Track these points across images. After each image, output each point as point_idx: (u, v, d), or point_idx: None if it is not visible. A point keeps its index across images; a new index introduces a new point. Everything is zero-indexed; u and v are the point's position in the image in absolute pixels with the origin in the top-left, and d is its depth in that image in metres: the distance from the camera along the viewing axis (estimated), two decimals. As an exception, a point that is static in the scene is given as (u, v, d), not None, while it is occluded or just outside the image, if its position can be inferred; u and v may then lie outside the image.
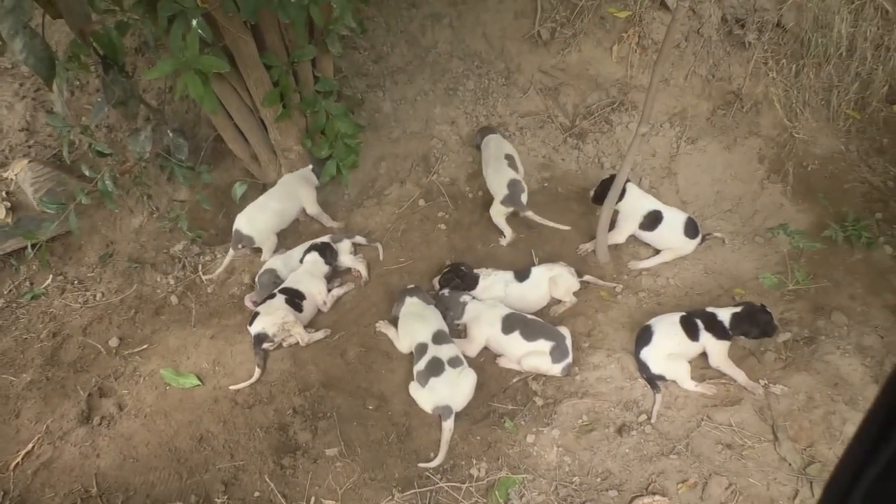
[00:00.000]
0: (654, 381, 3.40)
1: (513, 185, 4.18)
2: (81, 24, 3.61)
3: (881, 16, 4.32)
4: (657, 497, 2.98)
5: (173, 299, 4.19)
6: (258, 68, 3.97)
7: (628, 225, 4.15)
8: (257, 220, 4.24)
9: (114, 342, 3.91)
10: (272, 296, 3.81)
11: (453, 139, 4.76)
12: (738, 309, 3.44)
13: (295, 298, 3.82)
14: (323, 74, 4.31)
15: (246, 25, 3.87)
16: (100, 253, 4.54)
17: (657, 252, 4.18)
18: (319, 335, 3.72)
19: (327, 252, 3.96)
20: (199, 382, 3.58)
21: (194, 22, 3.33)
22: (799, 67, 4.42)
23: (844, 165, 4.32)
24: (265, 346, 3.58)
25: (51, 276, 4.42)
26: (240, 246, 4.25)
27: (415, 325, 3.55)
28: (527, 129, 4.81)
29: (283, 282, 3.95)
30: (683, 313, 3.54)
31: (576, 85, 4.92)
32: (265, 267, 4.08)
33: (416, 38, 5.09)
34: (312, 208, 4.42)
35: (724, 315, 3.44)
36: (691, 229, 4.10)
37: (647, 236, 4.19)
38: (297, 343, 3.67)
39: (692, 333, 3.45)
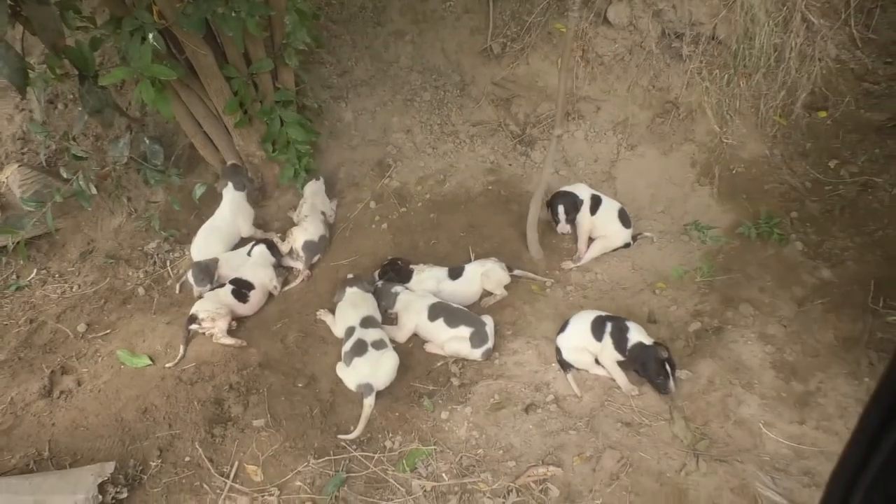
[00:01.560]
0: (565, 364, 3.63)
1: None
2: (54, 39, 4.02)
3: (807, 27, 4.55)
4: (551, 468, 3.20)
5: (140, 290, 4.55)
6: (217, 79, 4.34)
7: (584, 213, 4.40)
8: (206, 247, 4.56)
9: (82, 328, 4.27)
10: (222, 286, 4.16)
11: (408, 146, 5.08)
12: (649, 343, 3.46)
13: (242, 289, 4.16)
14: (284, 86, 4.67)
15: (211, 40, 4.27)
16: (81, 250, 4.93)
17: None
18: (232, 341, 3.95)
19: (272, 245, 4.31)
20: (150, 362, 3.90)
21: (150, 35, 3.73)
22: (730, 77, 4.66)
23: (767, 168, 4.53)
24: (192, 326, 3.92)
25: (35, 270, 4.82)
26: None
27: (347, 311, 3.85)
28: (477, 136, 5.11)
29: (214, 273, 4.28)
30: (600, 314, 3.68)
31: (527, 96, 5.22)
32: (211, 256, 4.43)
33: (380, 54, 5.45)
34: (248, 231, 4.73)
35: (636, 335, 3.51)
36: (625, 218, 4.38)
37: (587, 223, 4.41)
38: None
39: (598, 334, 3.61)
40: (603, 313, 3.71)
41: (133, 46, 3.73)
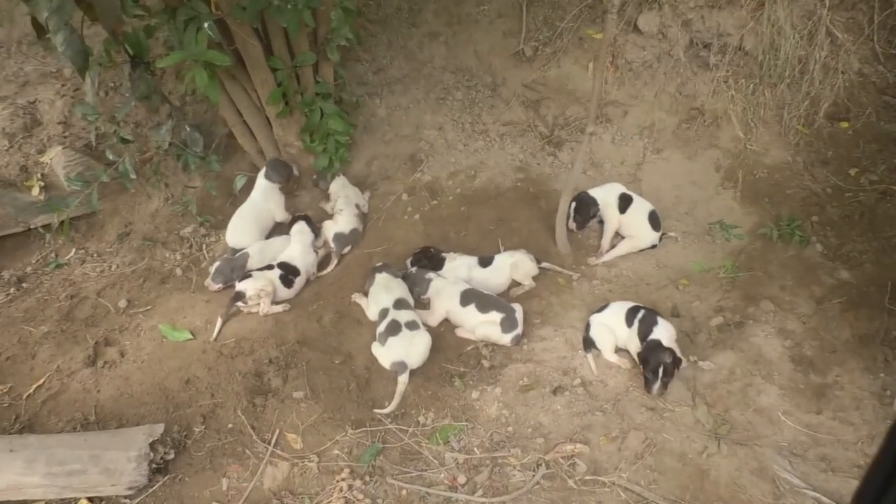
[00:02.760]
0: (588, 341, 3.79)
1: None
2: (114, 25, 4.21)
3: (831, 41, 4.73)
4: (579, 445, 3.34)
5: (178, 271, 4.71)
6: (264, 70, 4.53)
7: (611, 211, 4.55)
8: (240, 228, 4.74)
9: (122, 303, 4.42)
10: (270, 267, 4.33)
11: (439, 142, 5.26)
12: (666, 345, 3.54)
13: (289, 275, 4.32)
14: (324, 79, 4.86)
15: (257, 32, 4.46)
16: (119, 232, 5.10)
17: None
18: (279, 308, 4.20)
19: (311, 221, 4.57)
20: (191, 336, 4.07)
21: (206, 25, 3.91)
22: (756, 86, 4.84)
23: (790, 174, 4.70)
24: (238, 304, 4.09)
25: (74, 250, 4.98)
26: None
27: (380, 294, 4.01)
28: (507, 136, 5.29)
29: (237, 274, 4.37)
30: (638, 305, 3.85)
31: (556, 98, 5.40)
32: (242, 251, 4.56)
33: (414, 54, 5.65)
34: (281, 216, 4.92)
35: (660, 332, 3.62)
36: (655, 221, 4.50)
37: (614, 221, 4.56)
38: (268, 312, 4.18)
39: (630, 320, 3.78)
40: (641, 305, 3.86)
41: (188, 35, 3.92)
